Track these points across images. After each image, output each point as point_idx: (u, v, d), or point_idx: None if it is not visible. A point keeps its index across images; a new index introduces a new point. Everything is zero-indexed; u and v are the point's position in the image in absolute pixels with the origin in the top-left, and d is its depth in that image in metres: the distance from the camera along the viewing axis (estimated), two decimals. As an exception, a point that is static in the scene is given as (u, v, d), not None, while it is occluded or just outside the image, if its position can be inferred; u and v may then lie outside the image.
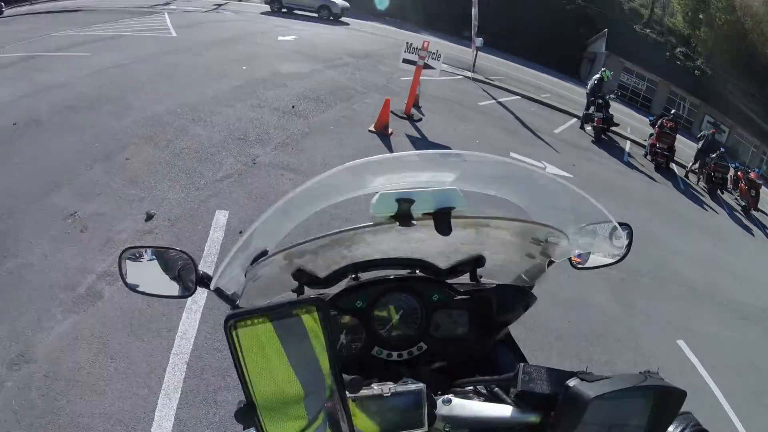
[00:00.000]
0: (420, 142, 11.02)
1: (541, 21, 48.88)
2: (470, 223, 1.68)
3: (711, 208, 17.27)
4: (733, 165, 20.96)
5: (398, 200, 1.51)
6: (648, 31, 53.93)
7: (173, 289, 1.67)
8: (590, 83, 19.73)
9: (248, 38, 20.82)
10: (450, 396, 1.38)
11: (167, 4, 35.80)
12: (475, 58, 23.17)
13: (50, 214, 6.54)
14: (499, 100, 19.17)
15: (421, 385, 1.27)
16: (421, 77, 12.79)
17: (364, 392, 1.23)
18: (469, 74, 22.26)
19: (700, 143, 19.77)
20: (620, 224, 1.82)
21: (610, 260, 1.93)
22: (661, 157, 18.69)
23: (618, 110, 25.87)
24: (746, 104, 53.91)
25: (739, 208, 19.65)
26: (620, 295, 7.94)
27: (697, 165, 20.04)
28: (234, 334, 1.02)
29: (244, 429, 1.22)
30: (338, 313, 1.76)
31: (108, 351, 4.63)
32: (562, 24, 49.79)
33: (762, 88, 57.22)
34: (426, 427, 1.26)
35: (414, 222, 1.52)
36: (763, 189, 22.31)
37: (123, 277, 1.68)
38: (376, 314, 1.78)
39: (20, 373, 4.34)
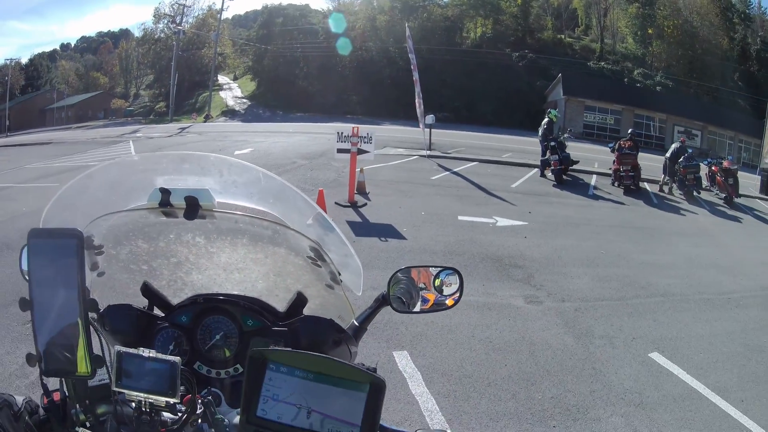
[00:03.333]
0: (359, 226, 10.83)
1: (498, 85, 50.43)
2: (223, 217, 1.92)
3: (690, 211, 17.16)
4: (706, 162, 20.87)
5: (161, 190, 1.82)
6: (603, 63, 55.69)
7: None
8: (541, 129, 19.63)
9: (204, 156, 21.91)
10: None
11: (134, 132, 38.94)
12: (430, 136, 23.14)
13: (14, 320, 6.77)
14: (454, 170, 19.27)
15: (177, 359, 1.33)
16: (369, 166, 13.09)
17: (127, 349, 1.33)
18: (425, 153, 22.34)
19: (668, 153, 19.70)
20: (447, 269, 2.01)
21: (443, 305, 2.04)
22: (627, 179, 18.49)
23: (584, 149, 26.28)
24: (711, 101, 55.47)
25: (721, 202, 19.53)
26: (574, 327, 7.26)
27: (666, 176, 19.87)
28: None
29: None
30: (168, 326, 1.89)
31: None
32: (519, 82, 51.23)
33: (723, 79, 58.62)
34: (177, 398, 1.33)
35: (172, 206, 1.84)
36: (745, 175, 22.78)
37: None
38: (199, 332, 1.89)
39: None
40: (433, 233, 10.84)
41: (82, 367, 1.24)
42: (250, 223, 1.95)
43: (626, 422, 5.18)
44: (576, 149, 22.31)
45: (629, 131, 20.54)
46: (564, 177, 18.74)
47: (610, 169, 20.09)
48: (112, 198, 2.01)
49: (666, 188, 19.87)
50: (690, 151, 19.88)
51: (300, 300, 1.99)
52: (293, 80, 58.37)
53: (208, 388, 1.58)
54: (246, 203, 2.02)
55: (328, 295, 2.10)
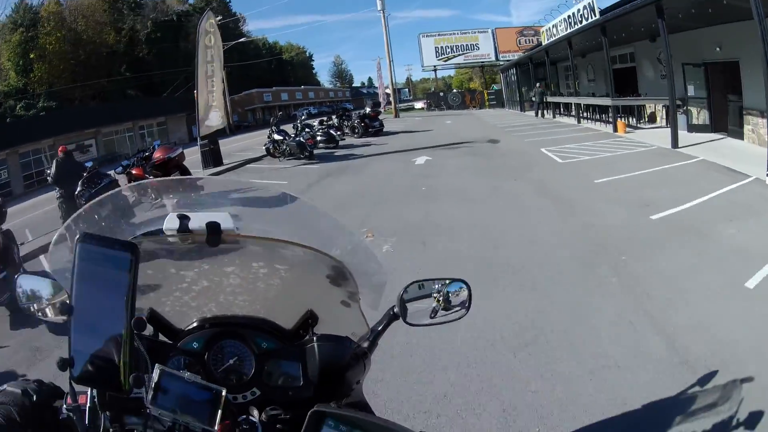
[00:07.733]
0: None
1: None
2: (247, 241, 1.88)
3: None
4: (120, 167, 20.02)
5: (179, 217, 1.74)
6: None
7: None
8: None
9: None
10: None
11: None
12: None
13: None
14: None
15: (222, 389, 1.39)
16: None
17: (169, 369, 1.39)
18: None
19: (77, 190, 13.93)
20: (455, 280, 2.13)
21: (453, 316, 2.12)
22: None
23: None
24: (100, 103, 55.52)
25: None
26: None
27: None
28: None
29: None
30: (178, 352, 1.88)
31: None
32: None
33: (110, 75, 59.59)
34: (215, 427, 1.36)
35: (191, 230, 1.74)
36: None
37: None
38: (212, 357, 1.87)
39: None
40: None
41: (122, 383, 1.25)
42: (271, 246, 1.91)
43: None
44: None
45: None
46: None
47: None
48: (121, 225, 1.93)
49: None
50: (90, 164, 15.40)
51: (310, 318, 1.99)
52: None
53: (246, 416, 1.61)
54: (266, 226, 1.99)
55: (342, 312, 2.09)
